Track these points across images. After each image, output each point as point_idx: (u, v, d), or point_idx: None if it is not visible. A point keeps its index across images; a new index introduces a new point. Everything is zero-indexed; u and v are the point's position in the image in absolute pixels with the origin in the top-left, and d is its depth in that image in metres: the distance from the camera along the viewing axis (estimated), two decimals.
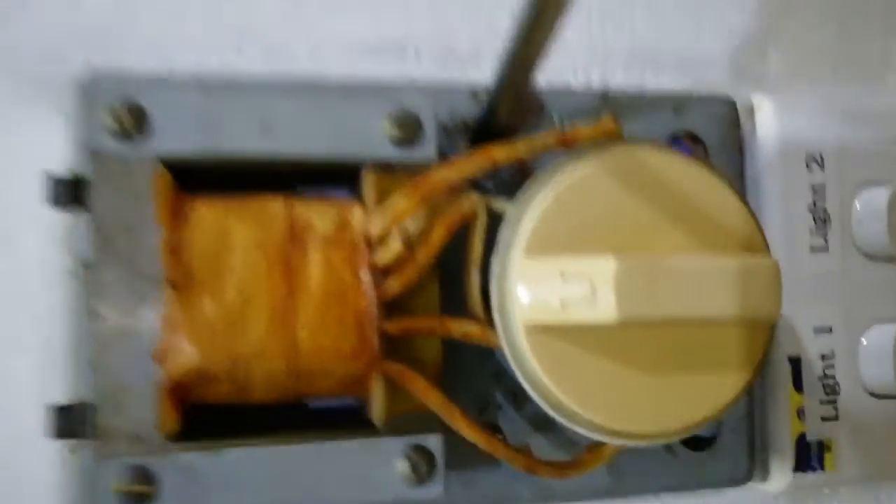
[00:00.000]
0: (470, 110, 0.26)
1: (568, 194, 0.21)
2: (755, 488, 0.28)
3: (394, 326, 0.21)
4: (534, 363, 0.20)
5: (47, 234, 0.24)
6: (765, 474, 0.27)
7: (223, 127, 0.22)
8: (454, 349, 0.24)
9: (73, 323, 0.23)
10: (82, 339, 0.22)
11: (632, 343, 0.21)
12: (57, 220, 0.24)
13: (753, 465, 0.27)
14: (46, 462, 0.23)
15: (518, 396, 0.26)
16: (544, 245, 0.21)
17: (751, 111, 0.28)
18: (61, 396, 0.23)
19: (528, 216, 0.21)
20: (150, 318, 0.21)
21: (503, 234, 0.21)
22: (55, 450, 0.23)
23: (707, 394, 0.21)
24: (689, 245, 0.21)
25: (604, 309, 0.19)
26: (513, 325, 0.21)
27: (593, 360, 0.21)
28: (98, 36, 0.25)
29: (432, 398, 0.21)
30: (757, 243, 0.21)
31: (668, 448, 0.26)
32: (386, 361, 0.21)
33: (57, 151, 0.25)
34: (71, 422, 0.23)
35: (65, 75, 0.24)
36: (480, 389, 0.25)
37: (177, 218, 0.20)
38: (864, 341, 0.27)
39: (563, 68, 0.29)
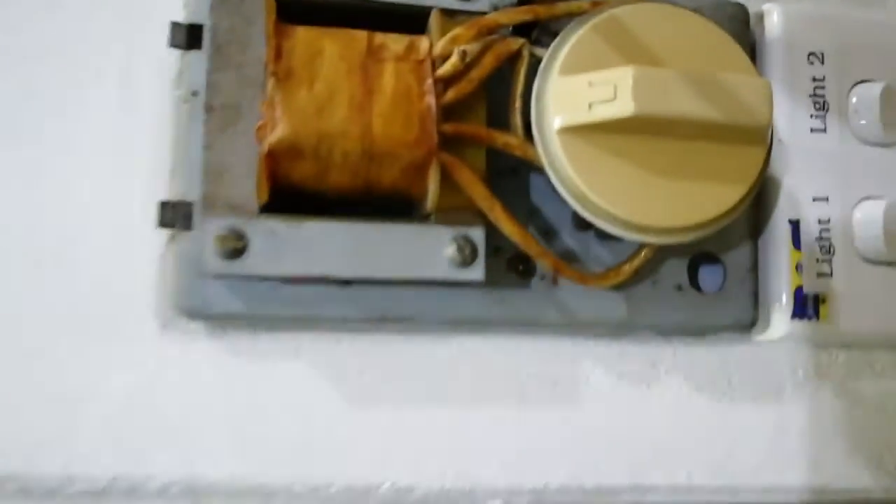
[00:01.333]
0: None
1: (596, 28, 0.26)
2: (757, 342, 0.31)
3: (449, 127, 0.25)
4: (564, 161, 0.25)
5: (162, 75, 0.30)
6: (766, 327, 0.31)
7: None
8: (497, 182, 0.28)
9: (183, 138, 0.28)
10: (193, 146, 0.27)
11: (648, 150, 0.25)
12: (173, 65, 0.30)
13: (757, 313, 0.31)
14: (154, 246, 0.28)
15: (549, 232, 0.30)
16: (575, 66, 0.25)
17: (761, 17, 0.33)
18: (168, 195, 0.28)
19: (563, 48, 0.26)
20: (253, 109, 0.26)
21: (543, 63, 0.26)
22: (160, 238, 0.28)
23: (712, 198, 0.25)
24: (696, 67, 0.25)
25: (622, 105, 0.24)
26: (548, 130, 0.25)
27: (615, 161, 0.25)
28: None
29: (477, 189, 0.25)
30: (755, 74, 0.26)
31: (679, 287, 0.30)
32: (441, 152, 0.25)
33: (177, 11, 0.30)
34: (174, 214, 0.27)
35: None
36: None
37: (280, 34, 0.25)
38: (856, 213, 0.31)
39: None
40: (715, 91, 0.24)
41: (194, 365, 0.29)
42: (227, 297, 0.27)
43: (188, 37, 0.28)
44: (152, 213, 0.28)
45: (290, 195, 0.26)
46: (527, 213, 0.29)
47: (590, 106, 0.24)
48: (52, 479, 0.28)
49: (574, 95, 0.24)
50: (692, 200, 0.25)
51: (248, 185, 0.25)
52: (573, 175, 0.25)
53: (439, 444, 0.30)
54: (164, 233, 0.28)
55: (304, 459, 0.29)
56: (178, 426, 0.29)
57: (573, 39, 0.25)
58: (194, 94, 0.28)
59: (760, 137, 0.25)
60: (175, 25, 0.29)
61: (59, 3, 0.30)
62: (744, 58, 0.26)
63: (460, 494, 0.30)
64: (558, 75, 0.25)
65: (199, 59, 0.28)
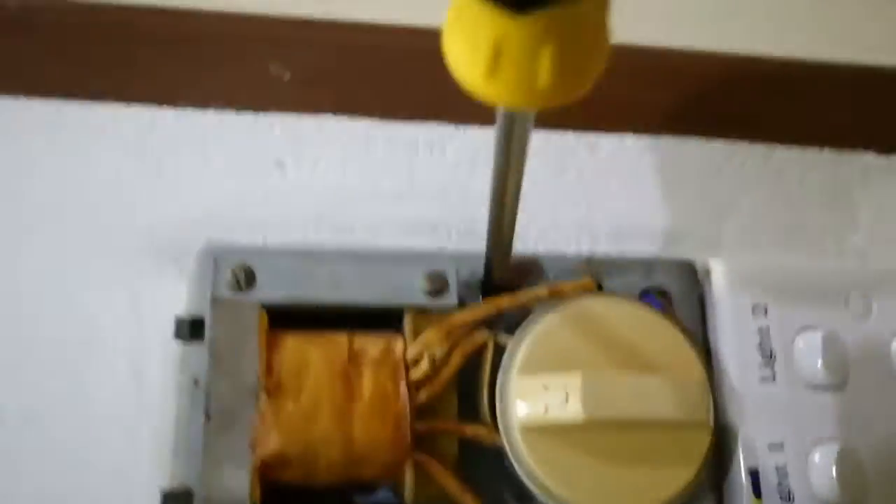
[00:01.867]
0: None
1: (552, 329, 0.29)
2: None
3: (422, 426, 0.28)
4: (526, 457, 0.27)
5: (168, 364, 0.33)
6: None
7: (306, 283, 0.31)
8: (472, 456, 0.30)
9: (184, 425, 0.31)
10: (193, 435, 0.30)
11: (603, 442, 0.27)
12: (176, 353, 0.33)
13: None
14: None
15: (524, 496, 0.32)
16: (533, 366, 0.28)
17: (707, 272, 0.36)
18: (168, 483, 0.31)
19: (522, 346, 0.29)
20: (247, 414, 0.29)
21: (505, 359, 0.29)
22: None
23: (662, 484, 0.27)
24: (640, 369, 0.28)
25: (573, 410, 0.26)
26: (511, 427, 0.28)
27: (573, 454, 0.27)
28: (215, 220, 0.35)
29: (450, 483, 0.28)
30: (695, 366, 0.29)
31: None
32: (416, 452, 0.28)
33: (181, 304, 0.34)
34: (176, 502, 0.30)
35: (191, 248, 0.35)
36: (493, 490, 0.32)
37: (271, 345, 0.29)
38: (812, 458, 0.33)
39: (558, 240, 0.38)
40: (655, 393, 0.27)
41: None
42: None
43: (190, 330, 0.32)
44: (155, 498, 0.30)
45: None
46: (503, 479, 0.32)
47: (546, 408, 0.27)
48: None
49: (532, 396, 0.27)
50: (642, 487, 0.27)
51: (243, 480, 0.28)
52: (536, 470, 0.27)
53: None
54: None
55: None
56: None
57: (530, 339, 0.29)
58: (196, 382, 0.31)
59: (703, 427, 0.28)
60: (179, 319, 0.32)
61: (76, 296, 0.34)
62: (689, 350, 0.29)
63: None
64: (517, 375, 0.28)
65: (200, 350, 0.31)
